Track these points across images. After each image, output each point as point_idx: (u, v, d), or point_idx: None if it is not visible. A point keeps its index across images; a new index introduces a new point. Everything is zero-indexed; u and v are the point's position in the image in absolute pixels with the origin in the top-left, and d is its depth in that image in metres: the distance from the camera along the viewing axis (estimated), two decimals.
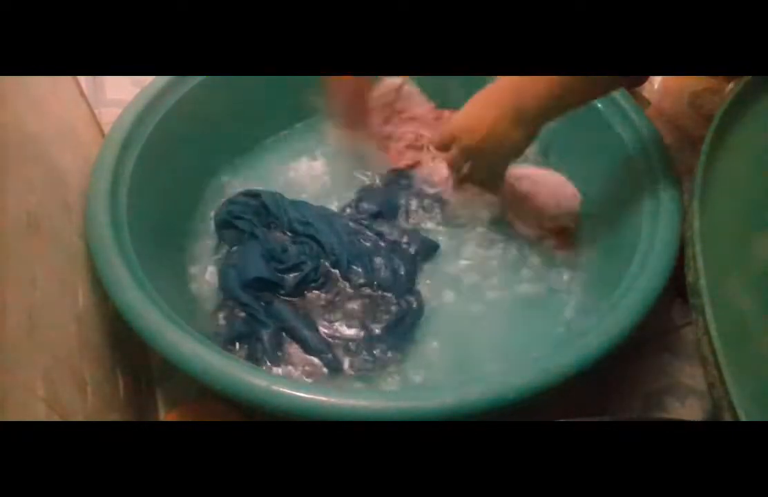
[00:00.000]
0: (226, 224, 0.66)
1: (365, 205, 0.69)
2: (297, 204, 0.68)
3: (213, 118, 0.70)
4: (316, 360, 0.56)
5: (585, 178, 0.69)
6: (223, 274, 0.62)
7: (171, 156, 0.64)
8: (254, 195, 0.67)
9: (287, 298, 0.60)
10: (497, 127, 0.56)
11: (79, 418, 0.43)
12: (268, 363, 0.56)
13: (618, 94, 0.66)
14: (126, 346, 0.56)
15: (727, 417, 0.33)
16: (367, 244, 0.65)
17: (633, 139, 0.63)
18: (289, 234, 0.66)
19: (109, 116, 0.63)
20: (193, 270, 0.65)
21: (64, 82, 0.61)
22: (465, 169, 0.62)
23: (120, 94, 0.76)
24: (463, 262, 0.66)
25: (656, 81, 0.90)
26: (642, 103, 0.83)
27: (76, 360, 0.46)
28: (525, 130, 0.56)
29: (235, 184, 0.73)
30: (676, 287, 0.51)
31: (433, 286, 0.64)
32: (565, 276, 0.65)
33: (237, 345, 0.57)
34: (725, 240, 0.43)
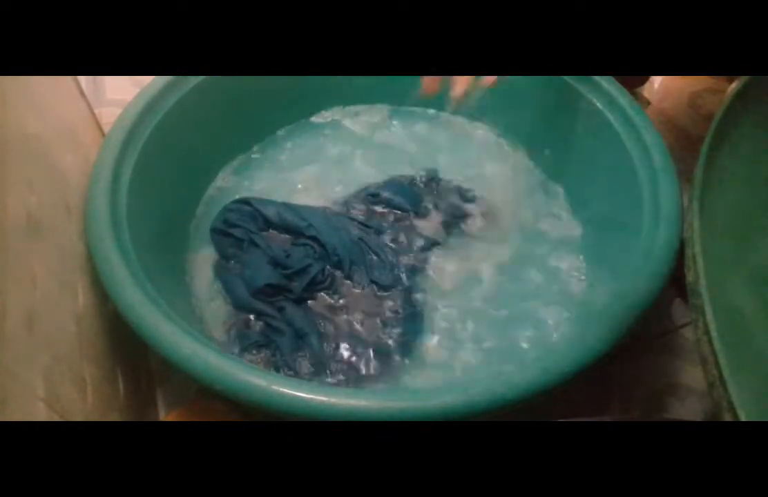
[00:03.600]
0: (221, 233, 0.65)
1: (377, 207, 0.70)
2: (292, 205, 0.68)
3: (213, 118, 0.70)
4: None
5: (585, 178, 0.69)
6: (229, 286, 0.62)
7: (171, 156, 0.64)
8: (246, 202, 0.67)
9: (297, 302, 0.60)
10: None
11: (79, 418, 0.43)
12: (289, 372, 0.56)
13: (618, 94, 0.66)
14: (126, 346, 0.56)
15: (727, 417, 0.33)
16: (369, 245, 0.65)
17: (633, 139, 0.63)
18: (289, 237, 0.66)
19: (109, 116, 0.63)
20: (194, 270, 0.65)
21: (64, 82, 0.60)
22: None
23: (120, 94, 0.76)
24: (466, 267, 0.66)
25: (656, 81, 0.91)
26: (642, 103, 0.83)
27: (76, 360, 0.46)
28: None
29: (235, 183, 0.73)
30: (676, 287, 0.51)
31: (435, 289, 0.64)
32: (565, 277, 0.65)
33: (250, 354, 0.57)
34: (725, 240, 0.42)
